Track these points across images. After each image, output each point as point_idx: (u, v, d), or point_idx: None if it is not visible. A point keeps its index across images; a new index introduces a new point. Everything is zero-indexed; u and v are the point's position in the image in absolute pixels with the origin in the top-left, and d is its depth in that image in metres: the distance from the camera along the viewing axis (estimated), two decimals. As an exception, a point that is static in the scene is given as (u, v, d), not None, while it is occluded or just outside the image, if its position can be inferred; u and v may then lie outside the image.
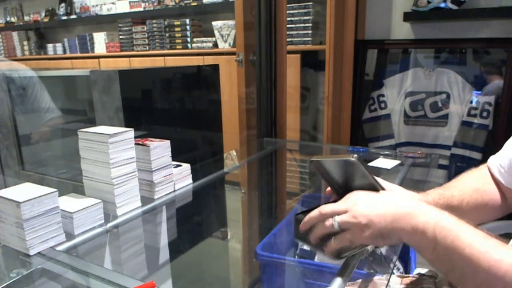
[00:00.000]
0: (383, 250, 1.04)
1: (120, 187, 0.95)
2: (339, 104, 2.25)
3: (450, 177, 2.18)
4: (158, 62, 3.19)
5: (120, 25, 3.53)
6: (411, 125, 2.25)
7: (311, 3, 2.50)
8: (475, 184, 0.80)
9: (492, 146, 2.02)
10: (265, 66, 1.85)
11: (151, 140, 1.07)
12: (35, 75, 1.79)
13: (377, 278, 0.82)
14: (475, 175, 0.82)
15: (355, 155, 0.63)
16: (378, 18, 2.25)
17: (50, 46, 4.18)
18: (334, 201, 0.67)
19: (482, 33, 2.01)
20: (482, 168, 0.83)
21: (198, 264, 1.01)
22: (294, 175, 1.63)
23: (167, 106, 1.55)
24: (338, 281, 0.64)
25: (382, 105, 2.29)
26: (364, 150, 1.62)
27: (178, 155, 1.14)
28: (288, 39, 2.43)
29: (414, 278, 0.80)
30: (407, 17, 2.07)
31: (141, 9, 3.43)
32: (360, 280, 0.82)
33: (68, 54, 4.05)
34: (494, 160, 0.80)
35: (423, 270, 0.85)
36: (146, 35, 3.38)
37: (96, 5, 3.73)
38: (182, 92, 1.62)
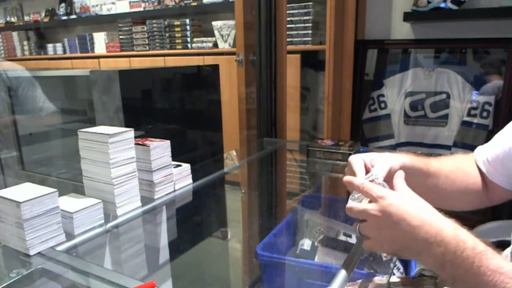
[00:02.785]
0: (383, 250, 1.04)
1: (120, 187, 0.95)
2: (339, 104, 2.25)
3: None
4: (158, 62, 3.19)
5: (120, 25, 3.53)
6: (411, 125, 2.25)
7: (311, 3, 2.50)
8: (459, 163, 0.80)
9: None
10: (265, 66, 1.85)
11: (151, 140, 1.07)
12: (28, 75, 1.78)
13: (377, 278, 0.82)
14: (461, 157, 0.83)
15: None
16: (378, 18, 2.24)
17: (50, 46, 4.18)
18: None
19: (482, 33, 2.00)
20: (470, 154, 0.83)
21: (198, 264, 1.01)
22: (294, 175, 1.63)
23: (167, 106, 1.55)
24: (338, 281, 0.64)
25: (382, 105, 2.29)
26: (364, 150, 1.62)
27: (178, 155, 1.14)
28: (288, 39, 2.43)
29: (414, 279, 0.80)
30: (407, 17, 2.06)
31: (141, 9, 3.43)
32: (360, 280, 0.82)
33: (68, 54, 4.05)
34: (481, 150, 0.80)
35: (424, 271, 0.85)
36: (146, 35, 3.38)
37: (96, 5, 3.73)
38: (182, 92, 1.62)
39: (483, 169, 0.78)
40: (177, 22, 3.18)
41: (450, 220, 0.58)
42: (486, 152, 0.79)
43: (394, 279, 0.80)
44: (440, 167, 0.77)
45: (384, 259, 1.04)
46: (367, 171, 0.71)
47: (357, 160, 0.73)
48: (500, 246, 0.74)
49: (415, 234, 0.57)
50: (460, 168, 0.79)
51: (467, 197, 0.79)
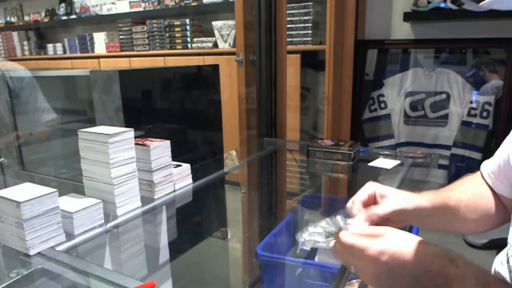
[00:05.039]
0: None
1: (120, 187, 0.95)
2: (339, 104, 2.25)
3: (450, 177, 2.19)
4: (158, 62, 3.19)
5: (120, 25, 3.53)
6: (411, 125, 2.25)
7: (311, 3, 2.50)
8: (472, 187, 0.79)
9: (492, 146, 2.02)
10: (265, 66, 1.85)
11: (151, 140, 1.07)
12: (30, 75, 1.78)
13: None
14: (472, 180, 0.81)
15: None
16: (378, 18, 2.25)
17: (50, 46, 4.18)
18: None
19: (482, 33, 2.01)
20: (477, 173, 0.82)
21: (198, 264, 1.01)
22: (294, 175, 1.63)
23: (167, 106, 1.55)
24: (338, 281, 0.64)
25: (382, 105, 2.29)
26: (364, 150, 1.62)
27: (178, 155, 1.14)
28: (288, 39, 2.43)
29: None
30: (407, 17, 2.07)
31: (141, 9, 3.43)
32: (360, 280, 0.82)
33: (68, 54, 4.05)
34: (486, 164, 0.80)
35: None
36: (146, 35, 3.38)
37: (96, 5, 3.73)
38: (182, 92, 1.62)
39: (489, 182, 0.77)
40: (177, 22, 3.18)
41: (439, 262, 0.53)
42: (490, 165, 0.78)
43: None
44: (459, 199, 0.75)
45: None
46: (373, 203, 0.70)
47: (359, 195, 0.71)
48: (500, 245, 0.74)
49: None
50: (477, 192, 0.77)
51: (486, 219, 0.77)
